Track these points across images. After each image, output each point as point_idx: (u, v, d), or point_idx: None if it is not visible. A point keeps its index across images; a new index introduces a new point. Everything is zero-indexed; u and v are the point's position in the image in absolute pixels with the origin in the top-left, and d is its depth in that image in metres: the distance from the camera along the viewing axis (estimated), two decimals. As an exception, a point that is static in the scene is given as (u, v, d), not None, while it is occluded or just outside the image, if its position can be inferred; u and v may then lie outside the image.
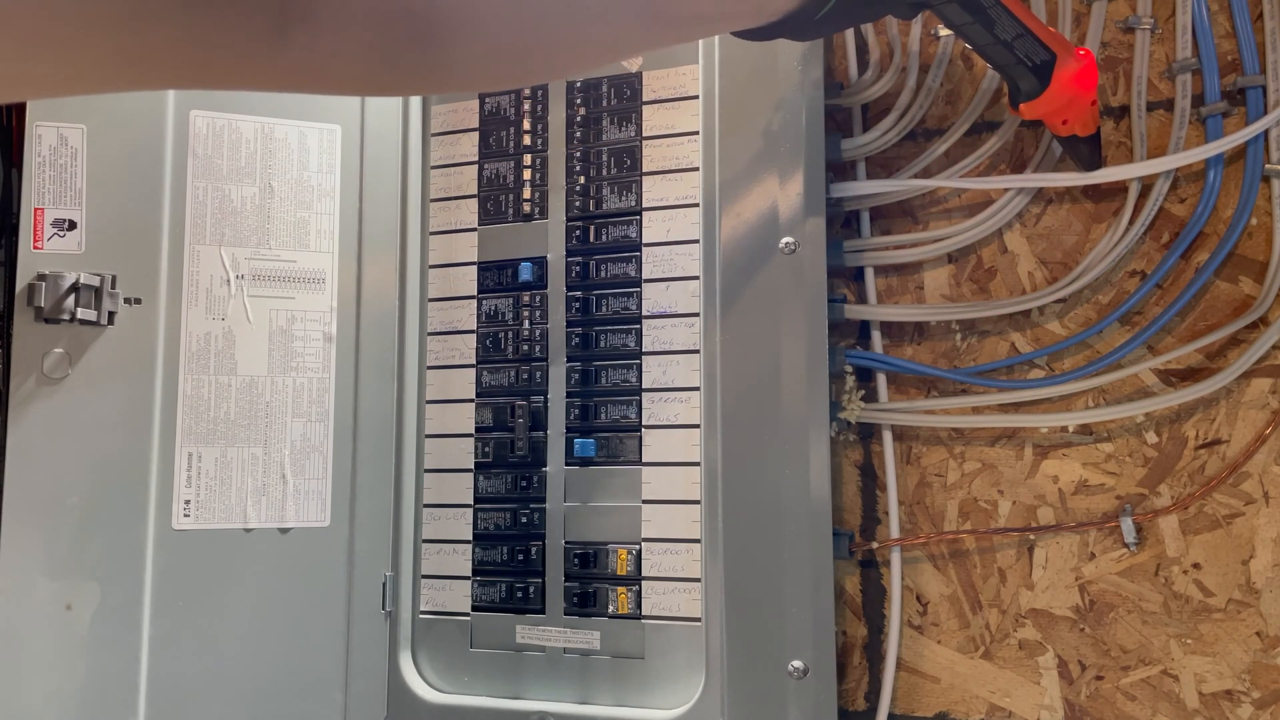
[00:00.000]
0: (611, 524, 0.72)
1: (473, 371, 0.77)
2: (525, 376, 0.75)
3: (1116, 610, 0.66)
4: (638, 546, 0.71)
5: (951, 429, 0.70)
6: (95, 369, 0.71)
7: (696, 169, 0.72)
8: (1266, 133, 0.63)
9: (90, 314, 0.69)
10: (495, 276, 0.77)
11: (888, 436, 0.71)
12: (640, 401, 0.72)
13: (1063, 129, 0.63)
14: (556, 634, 0.73)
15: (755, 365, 0.67)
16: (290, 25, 0.40)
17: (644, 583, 0.71)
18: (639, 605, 0.71)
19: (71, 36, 0.35)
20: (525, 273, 0.76)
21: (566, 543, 0.73)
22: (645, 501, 0.71)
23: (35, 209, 0.71)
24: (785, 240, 0.67)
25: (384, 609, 0.75)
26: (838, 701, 0.65)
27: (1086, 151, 0.64)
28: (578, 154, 0.75)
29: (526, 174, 0.77)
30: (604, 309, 0.74)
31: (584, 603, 0.72)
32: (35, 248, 0.71)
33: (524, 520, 0.74)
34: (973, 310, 0.69)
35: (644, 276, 0.73)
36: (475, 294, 0.78)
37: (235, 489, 0.73)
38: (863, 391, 0.71)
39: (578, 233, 0.75)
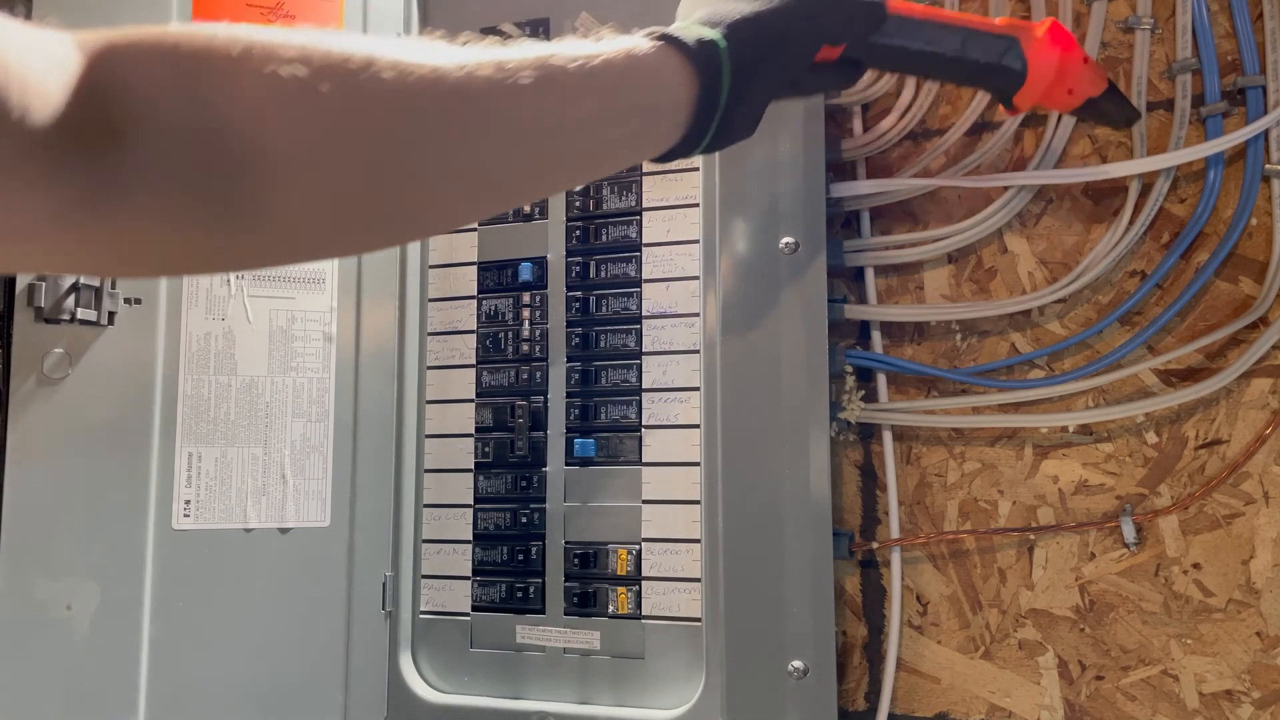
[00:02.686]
0: (611, 524, 0.72)
1: (473, 371, 0.77)
2: (525, 376, 0.75)
3: (1116, 610, 0.66)
4: (638, 546, 0.71)
5: (951, 429, 0.70)
6: (95, 369, 0.71)
7: (696, 169, 0.72)
8: (1266, 133, 0.63)
9: (90, 314, 0.69)
10: (495, 276, 0.77)
11: (888, 436, 0.71)
12: (640, 401, 0.72)
13: (1072, 99, 0.58)
14: (556, 634, 0.73)
15: (755, 365, 0.67)
16: (98, 191, 0.34)
17: (644, 583, 0.71)
18: (639, 605, 0.71)
19: None
20: (525, 273, 0.76)
21: (566, 543, 0.73)
22: (645, 501, 0.71)
23: (35, 209, 0.71)
24: (785, 240, 0.67)
25: (384, 609, 0.75)
26: (838, 701, 0.65)
27: (1112, 107, 0.58)
28: (578, 154, 0.75)
29: (526, 174, 0.77)
30: (604, 309, 0.74)
31: (584, 603, 0.72)
32: (35, 248, 0.70)
33: (524, 520, 0.74)
34: (973, 310, 0.69)
35: (644, 276, 0.73)
36: (475, 294, 0.78)
37: (235, 489, 0.73)
38: (863, 391, 0.71)
39: (578, 233, 0.75)
